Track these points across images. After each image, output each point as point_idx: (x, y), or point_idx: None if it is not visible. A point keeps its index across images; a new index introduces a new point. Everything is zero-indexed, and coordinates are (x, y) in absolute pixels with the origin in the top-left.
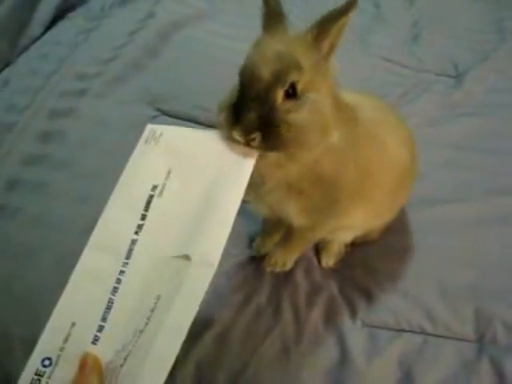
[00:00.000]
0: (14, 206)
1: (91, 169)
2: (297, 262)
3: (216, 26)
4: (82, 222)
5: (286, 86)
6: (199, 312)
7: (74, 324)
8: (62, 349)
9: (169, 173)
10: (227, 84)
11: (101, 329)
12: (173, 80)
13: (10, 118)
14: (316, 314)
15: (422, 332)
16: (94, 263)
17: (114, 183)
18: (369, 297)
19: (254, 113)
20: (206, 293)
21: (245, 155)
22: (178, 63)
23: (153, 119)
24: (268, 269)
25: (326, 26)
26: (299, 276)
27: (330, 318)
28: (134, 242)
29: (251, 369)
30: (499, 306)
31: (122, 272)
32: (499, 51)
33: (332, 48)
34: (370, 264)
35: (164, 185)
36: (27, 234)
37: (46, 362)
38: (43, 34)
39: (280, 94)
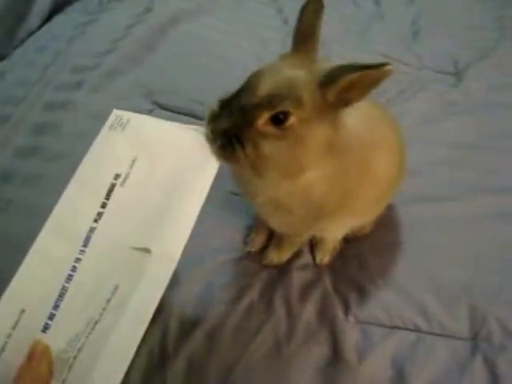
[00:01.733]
0: (8, 197)
1: None
2: (290, 259)
3: (213, 21)
4: None
5: (274, 112)
6: (190, 308)
7: (23, 310)
8: (9, 335)
9: (133, 162)
10: (223, 78)
11: (52, 317)
12: (169, 74)
13: (5, 110)
14: (309, 310)
15: (416, 329)
16: (50, 247)
17: None
18: (362, 293)
19: (231, 119)
20: (199, 288)
21: (211, 157)
22: (174, 57)
23: (149, 112)
24: (264, 262)
25: (334, 74)
26: (293, 272)
27: (323, 314)
28: (92, 229)
29: (243, 365)
30: (494, 303)
31: (77, 259)
32: (499, 49)
33: (341, 101)
34: (364, 260)
35: (128, 174)
36: (21, 226)
37: None
38: (40, 27)
39: (264, 116)
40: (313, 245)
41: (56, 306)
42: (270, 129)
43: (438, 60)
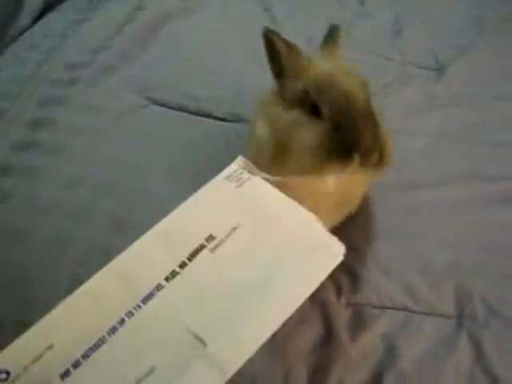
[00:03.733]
0: (5, 190)
1: (81, 154)
2: None
3: (203, 19)
4: (71, 207)
5: None
6: None
7: (51, 346)
8: (26, 368)
9: (234, 229)
10: (213, 74)
11: (77, 364)
12: (161, 70)
13: (0, 105)
14: None
15: (404, 309)
16: (105, 290)
17: (103, 168)
18: (353, 277)
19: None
20: None
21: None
22: (166, 54)
23: (142, 108)
24: None
25: None
26: None
27: (316, 297)
28: (159, 287)
29: None
30: (478, 282)
31: (130, 313)
32: (477, 46)
33: None
34: (355, 246)
35: (223, 241)
36: (18, 218)
37: (3, 376)
38: (32, 25)
39: None
40: None
41: (86, 356)
42: None
43: (420, 56)
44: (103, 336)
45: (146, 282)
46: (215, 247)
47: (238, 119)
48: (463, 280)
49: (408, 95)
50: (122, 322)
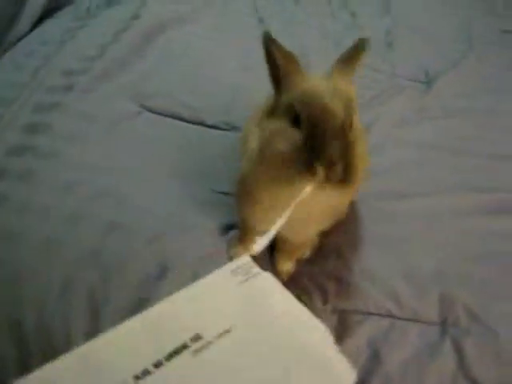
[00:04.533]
0: (0, 193)
1: (76, 160)
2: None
3: (198, 29)
4: (66, 211)
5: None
6: None
7: None
8: None
9: (227, 332)
10: (207, 83)
11: None
12: (157, 78)
13: None
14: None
15: (389, 315)
16: (68, 375)
17: (98, 174)
18: (340, 283)
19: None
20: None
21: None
22: (161, 63)
23: (137, 115)
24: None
25: None
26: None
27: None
28: None
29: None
30: (461, 290)
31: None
32: (467, 59)
33: None
34: (342, 253)
35: (209, 344)
36: (13, 221)
37: None
38: (30, 31)
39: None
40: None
41: None
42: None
43: (410, 68)
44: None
45: (115, 377)
46: (199, 350)
47: (230, 127)
48: (447, 288)
49: (397, 107)
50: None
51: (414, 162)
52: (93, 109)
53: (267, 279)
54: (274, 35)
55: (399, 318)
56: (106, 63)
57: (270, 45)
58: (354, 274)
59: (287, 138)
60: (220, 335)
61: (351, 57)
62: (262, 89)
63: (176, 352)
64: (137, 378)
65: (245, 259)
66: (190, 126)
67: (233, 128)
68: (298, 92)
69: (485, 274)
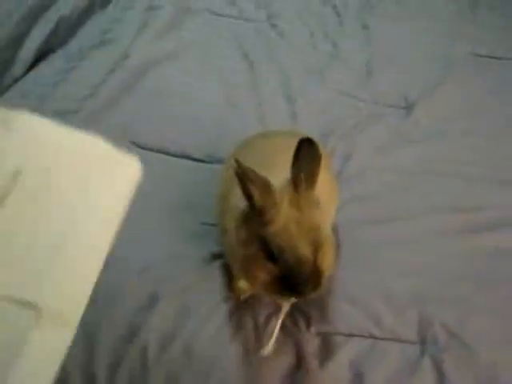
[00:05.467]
0: None
1: None
2: None
3: (185, 66)
4: None
5: None
6: (170, 324)
7: None
8: None
9: (17, 174)
10: (195, 118)
11: None
12: (146, 115)
13: None
14: (273, 327)
15: (370, 336)
16: None
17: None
18: (322, 307)
19: None
20: (177, 305)
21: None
22: (149, 100)
23: (128, 151)
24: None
25: None
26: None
27: (287, 328)
28: None
29: (217, 373)
30: (439, 309)
31: None
32: (444, 84)
33: None
34: None
35: (8, 190)
36: None
37: None
38: (24, 74)
39: None
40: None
41: None
42: None
43: (389, 95)
44: None
45: None
46: (2, 200)
47: (214, 160)
48: (425, 307)
49: (378, 133)
50: None
51: (395, 188)
52: None
53: (30, 119)
54: (256, 69)
55: (380, 339)
56: (97, 103)
57: (243, 178)
58: (335, 297)
59: (265, 269)
60: (12, 180)
61: (309, 173)
62: (244, 123)
63: None
64: None
65: None
66: (177, 159)
67: (217, 161)
68: (272, 231)
69: (461, 292)
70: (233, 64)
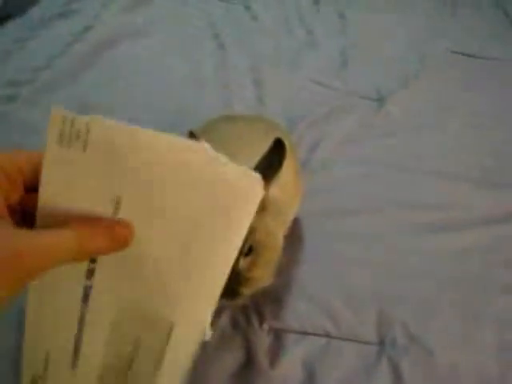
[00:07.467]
0: None
1: None
2: None
3: (151, 43)
4: None
5: None
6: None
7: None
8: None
9: (118, 203)
10: (159, 97)
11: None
12: (105, 91)
13: None
14: (224, 321)
15: (326, 334)
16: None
17: None
18: (276, 302)
19: None
20: None
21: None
22: (111, 76)
23: None
24: None
25: None
26: None
27: (238, 324)
28: (88, 288)
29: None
30: (400, 309)
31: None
32: (419, 79)
33: None
34: (280, 270)
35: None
36: None
37: None
38: None
39: None
40: None
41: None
42: None
43: (362, 86)
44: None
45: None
46: None
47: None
48: (385, 306)
49: (347, 124)
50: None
51: (359, 179)
52: (36, 121)
53: (109, 127)
54: (226, 51)
55: (336, 338)
56: (52, 74)
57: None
58: (291, 292)
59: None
60: (115, 209)
61: (270, 175)
62: (209, 104)
63: None
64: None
65: (58, 119)
66: None
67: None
68: None
69: (422, 292)
70: (201, 44)
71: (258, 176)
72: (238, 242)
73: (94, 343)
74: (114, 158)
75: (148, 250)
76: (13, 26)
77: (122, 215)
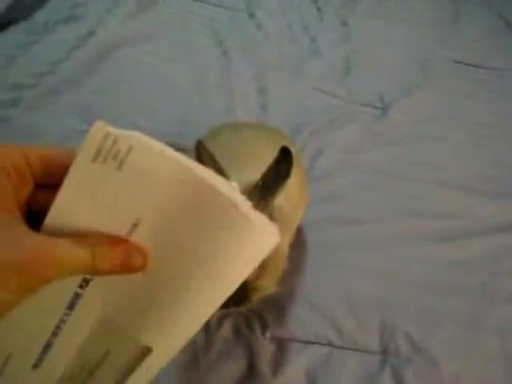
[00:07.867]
0: None
1: None
2: None
3: (155, 49)
4: None
5: None
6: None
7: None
8: None
9: (135, 226)
10: (162, 103)
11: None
12: (108, 97)
13: None
14: (226, 329)
15: (329, 344)
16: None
17: None
18: (280, 310)
19: None
20: None
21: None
22: (114, 81)
23: (85, 133)
24: None
25: None
26: None
27: (241, 332)
28: (78, 295)
29: (163, 376)
30: (403, 319)
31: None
32: (422, 88)
33: None
34: (284, 279)
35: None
36: None
37: None
38: None
39: None
40: None
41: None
42: None
43: (366, 94)
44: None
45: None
46: None
47: (179, 149)
48: (388, 316)
49: (351, 132)
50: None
51: (363, 188)
52: (39, 124)
53: (149, 150)
54: (230, 58)
55: (339, 347)
56: (56, 79)
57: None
58: (294, 301)
59: None
60: (131, 230)
61: (277, 184)
62: (213, 111)
63: None
64: (81, 287)
65: (98, 132)
66: None
67: (182, 150)
68: None
69: (425, 302)
70: (205, 51)
71: (275, 228)
72: (236, 283)
73: (65, 348)
74: (147, 182)
75: (149, 278)
76: (17, 31)
77: (135, 237)
